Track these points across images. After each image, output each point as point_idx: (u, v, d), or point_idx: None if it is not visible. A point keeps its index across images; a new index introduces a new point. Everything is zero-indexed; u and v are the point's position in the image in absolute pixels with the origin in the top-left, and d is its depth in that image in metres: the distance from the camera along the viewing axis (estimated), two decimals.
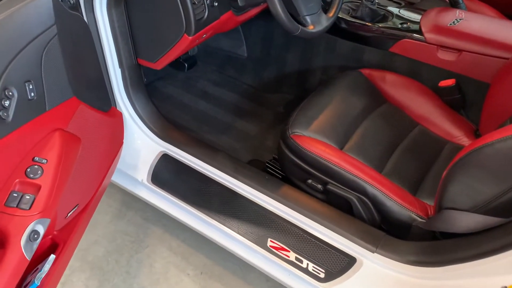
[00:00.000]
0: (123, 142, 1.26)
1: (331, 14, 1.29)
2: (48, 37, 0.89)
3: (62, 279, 1.33)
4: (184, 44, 1.16)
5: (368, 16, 1.53)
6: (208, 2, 1.14)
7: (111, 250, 1.47)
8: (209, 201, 1.24)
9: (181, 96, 1.84)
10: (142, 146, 1.38)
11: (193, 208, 1.23)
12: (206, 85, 1.90)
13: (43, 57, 0.88)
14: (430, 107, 1.42)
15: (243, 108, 1.77)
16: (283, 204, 1.17)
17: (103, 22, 1.17)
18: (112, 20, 1.18)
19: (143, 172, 1.33)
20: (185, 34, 1.13)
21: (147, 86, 1.87)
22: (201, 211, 1.22)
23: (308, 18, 1.22)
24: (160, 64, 1.26)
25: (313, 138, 1.23)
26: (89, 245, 1.49)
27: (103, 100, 1.12)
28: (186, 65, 1.90)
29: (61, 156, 0.90)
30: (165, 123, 1.41)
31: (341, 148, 1.25)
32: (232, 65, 1.94)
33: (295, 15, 1.22)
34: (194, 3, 1.09)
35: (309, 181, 1.22)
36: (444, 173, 0.97)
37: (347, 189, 1.16)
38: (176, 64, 1.92)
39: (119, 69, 1.28)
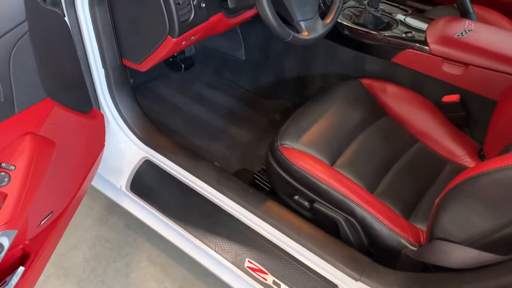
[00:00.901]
0: (104, 145, 1.20)
1: (328, 20, 1.22)
2: (18, 34, 0.83)
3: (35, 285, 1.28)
4: (168, 46, 1.10)
5: (371, 23, 1.45)
6: (194, 2, 1.07)
7: (89, 257, 1.41)
8: (188, 213, 1.17)
9: (174, 98, 1.78)
10: (124, 150, 1.33)
11: (170, 220, 1.17)
12: (202, 87, 1.84)
13: (11, 56, 0.82)
14: (432, 123, 1.34)
15: (238, 114, 1.71)
16: (266, 222, 1.10)
17: (85, 20, 1.12)
18: (95, 18, 1.13)
19: (122, 179, 1.28)
20: (168, 35, 1.07)
21: (140, 86, 1.83)
22: (178, 224, 1.16)
23: (302, 24, 1.15)
24: (145, 65, 1.20)
25: (302, 152, 1.16)
26: (68, 249, 1.43)
27: (82, 101, 1.07)
28: (182, 66, 1.85)
29: (31, 161, 0.85)
30: (150, 127, 1.35)
31: (332, 164, 1.18)
32: (229, 68, 1.88)
33: (288, 20, 1.15)
34: (178, 3, 1.03)
35: (296, 197, 1.16)
36: (437, 200, 0.89)
37: (334, 209, 1.09)
38: (173, 65, 1.87)
39: (103, 70, 1.23)
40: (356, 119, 1.29)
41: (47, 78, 0.87)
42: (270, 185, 1.29)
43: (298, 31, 1.16)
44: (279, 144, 1.17)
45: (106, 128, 1.32)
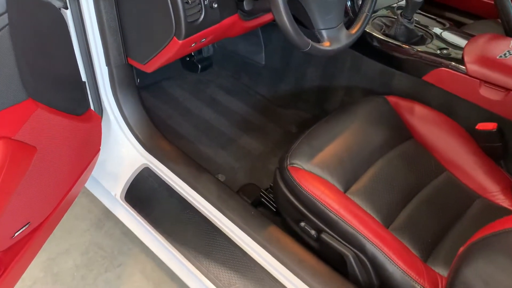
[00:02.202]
0: (99, 149, 1.14)
1: (354, 30, 1.12)
2: None
3: None
4: (174, 47, 1.02)
5: (403, 35, 1.34)
6: (206, 2, 0.99)
7: (80, 264, 1.35)
8: (183, 231, 1.10)
9: (187, 100, 1.71)
10: (124, 154, 1.26)
11: (162, 237, 1.09)
12: (217, 91, 1.76)
13: None
14: (463, 151, 1.21)
15: (251, 122, 1.62)
16: (266, 251, 1.01)
17: (89, 14, 1.05)
18: (99, 12, 1.06)
19: (118, 186, 1.21)
20: (174, 36, 0.99)
21: (152, 85, 1.77)
22: (170, 242, 1.08)
23: (324, 33, 1.05)
24: (150, 67, 1.13)
25: (313, 175, 1.06)
26: (59, 253, 1.38)
27: (75, 102, 1.00)
28: (199, 66, 1.78)
29: (2, 168, 0.78)
30: (153, 132, 1.28)
31: (346, 190, 1.07)
32: (248, 72, 1.80)
33: (309, 27, 1.05)
34: (187, 2, 0.95)
35: (302, 224, 1.06)
36: (461, 249, 0.78)
37: (343, 243, 0.99)
38: (189, 65, 1.80)
39: (106, 68, 1.16)
40: (377, 141, 1.18)
41: (31, 78, 0.80)
42: (276, 206, 1.20)
43: (318, 40, 1.06)
44: (288, 163, 1.08)
45: (107, 130, 1.26)
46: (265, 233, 1.04)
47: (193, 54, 1.79)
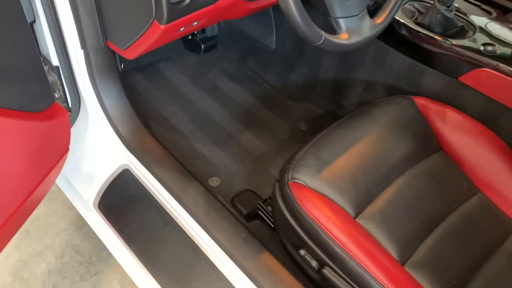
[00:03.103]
0: (68, 149, 0.99)
1: (379, 19, 0.93)
2: None
3: None
4: (156, 33, 0.85)
5: (440, 26, 1.14)
6: None
7: (53, 269, 1.23)
8: (160, 251, 0.95)
9: (185, 86, 1.54)
10: (102, 153, 1.11)
11: (135, 256, 0.95)
12: (219, 76, 1.59)
13: None
14: (502, 171, 1.03)
15: (255, 116, 1.45)
16: (256, 286, 0.86)
17: None
18: None
19: (92, 190, 1.07)
20: (155, 20, 0.82)
21: (148, 66, 1.60)
22: (143, 263, 0.94)
23: (342, 22, 0.87)
24: (131, 53, 0.97)
25: (318, 194, 0.90)
26: (31, 256, 1.26)
27: (32, 97, 0.85)
28: (202, 46, 1.60)
29: None
30: (137, 127, 1.13)
31: (357, 215, 0.91)
32: (256, 57, 1.62)
33: (325, 14, 0.87)
34: None
35: (302, 251, 0.91)
36: None
37: (349, 282, 0.83)
38: (191, 44, 1.62)
39: (82, 51, 1.00)
40: (399, 153, 1.01)
41: None
42: (274, 225, 1.04)
43: (334, 31, 0.87)
44: (290, 177, 0.92)
45: (85, 123, 1.12)
46: (256, 263, 0.90)
47: (195, 32, 1.62)
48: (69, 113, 1.14)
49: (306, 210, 0.87)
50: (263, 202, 1.12)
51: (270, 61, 1.59)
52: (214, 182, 1.23)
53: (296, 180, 0.91)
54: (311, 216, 0.86)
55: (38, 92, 0.86)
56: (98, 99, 1.09)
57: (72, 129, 1.13)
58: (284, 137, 1.39)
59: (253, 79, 1.58)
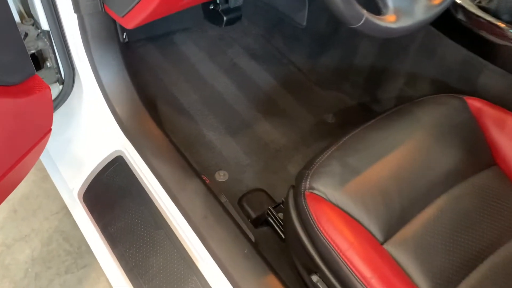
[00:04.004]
0: (50, 129, 0.86)
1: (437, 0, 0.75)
2: None
3: None
4: (154, 0, 0.70)
5: (509, 12, 0.94)
6: None
7: (37, 257, 1.13)
8: (147, 259, 0.82)
9: (201, 62, 1.40)
10: (95, 135, 0.98)
11: (117, 260, 0.83)
12: (240, 54, 1.43)
13: None
14: None
15: (276, 102, 1.30)
16: None
17: None
18: None
19: (79, 178, 0.95)
20: None
21: (161, 37, 1.45)
22: (127, 272, 0.82)
23: (389, 1, 0.69)
24: (129, 21, 0.82)
25: (340, 211, 0.75)
26: (17, 240, 1.16)
27: (3, 67, 0.71)
28: (225, 18, 1.44)
29: None
30: (138, 108, 1.00)
31: (385, 240, 0.76)
32: (283, 34, 1.46)
33: None
34: None
35: (315, 278, 0.77)
36: None
37: None
38: (212, 15, 1.47)
39: (75, 16, 0.86)
40: (443, 165, 0.85)
41: None
42: (284, 239, 0.90)
43: (379, 11, 0.70)
44: (307, 186, 0.77)
45: (78, 99, 0.99)
46: (257, 284, 0.76)
47: (218, 2, 1.46)
48: (61, 86, 1.02)
49: (323, 231, 0.72)
50: (274, 208, 0.98)
51: (299, 40, 1.42)
52: (221, 176, 1.09)
53: (314, 191, 0.77)
54: (329, 240, 0.71)
55: (11, 62, 0.72)
56: (93, 70, 0.96)
57: (64, 105, 1.01)
58: (307, 129, 1.23)
59: (278, 60, 1.42)
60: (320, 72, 1.37)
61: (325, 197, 0.76)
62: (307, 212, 0.74)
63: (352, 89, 1.32)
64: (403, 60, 1.17)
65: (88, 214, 0.89)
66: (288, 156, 1.16)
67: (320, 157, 0.82)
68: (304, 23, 1.40)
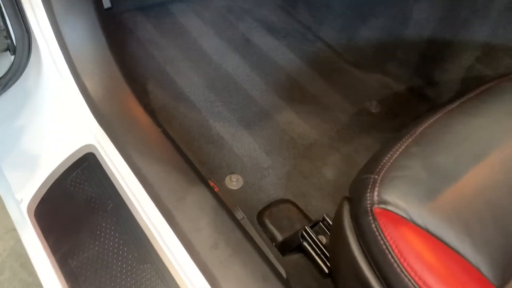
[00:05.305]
0: None
1: None
2: None
3: None
4: None
5: None
6: None
7: None
8: None
9: (204, 37, 1.14)
10: (58, 123, 0.72)
11: None
12: (254, 28, 1.18)
13: None
14: None
15: (303, 88, 1.04)
16: None
17: None
18: None
19: (30, 185, 0.67)
20: None
21: (155, 7, 1.19)
22: None
23: None
24: None
25: (431, 238, 0.49)
26: None
27: None
28: None
29: None
30: (118, 84, 0.75)
31: (502, 286, 0.49)
32: (308, 3, 1.19)
33: None
34: None
35: None
36: None
37: None
38: None
39: None
40: None
41: None
42: (328, 273, 0.64)
43: None
44: (375, 199, 0.51)
45: (36, 75, 0.74)
46: None
47: None
48: (13, 57, 0.76)
49: (408, 269, 0.47)
50: (312, 227, 0.71)
51: (330, 9, 1.17)
52: (233, 183, 0.83)
53: (388, 207, 0.51)
54: (419, 283, 0.45)
55: None
56: (54, 32, 0.70)
57: (17, 84, 0.75)
58: (344, 121, 0.97)
59: (302, 35, 1.16)
60: (358, 49, 1.12)
61: (407, 217, 0.50)
62: (380, 239, 0.49)
63: (400, 70, 1.07)
64: (475, 27, 0.92)
65: (40, 238, 0.62)
66: (322, 156, 0.89)
67: (388, 155, 0.56)
68: None
